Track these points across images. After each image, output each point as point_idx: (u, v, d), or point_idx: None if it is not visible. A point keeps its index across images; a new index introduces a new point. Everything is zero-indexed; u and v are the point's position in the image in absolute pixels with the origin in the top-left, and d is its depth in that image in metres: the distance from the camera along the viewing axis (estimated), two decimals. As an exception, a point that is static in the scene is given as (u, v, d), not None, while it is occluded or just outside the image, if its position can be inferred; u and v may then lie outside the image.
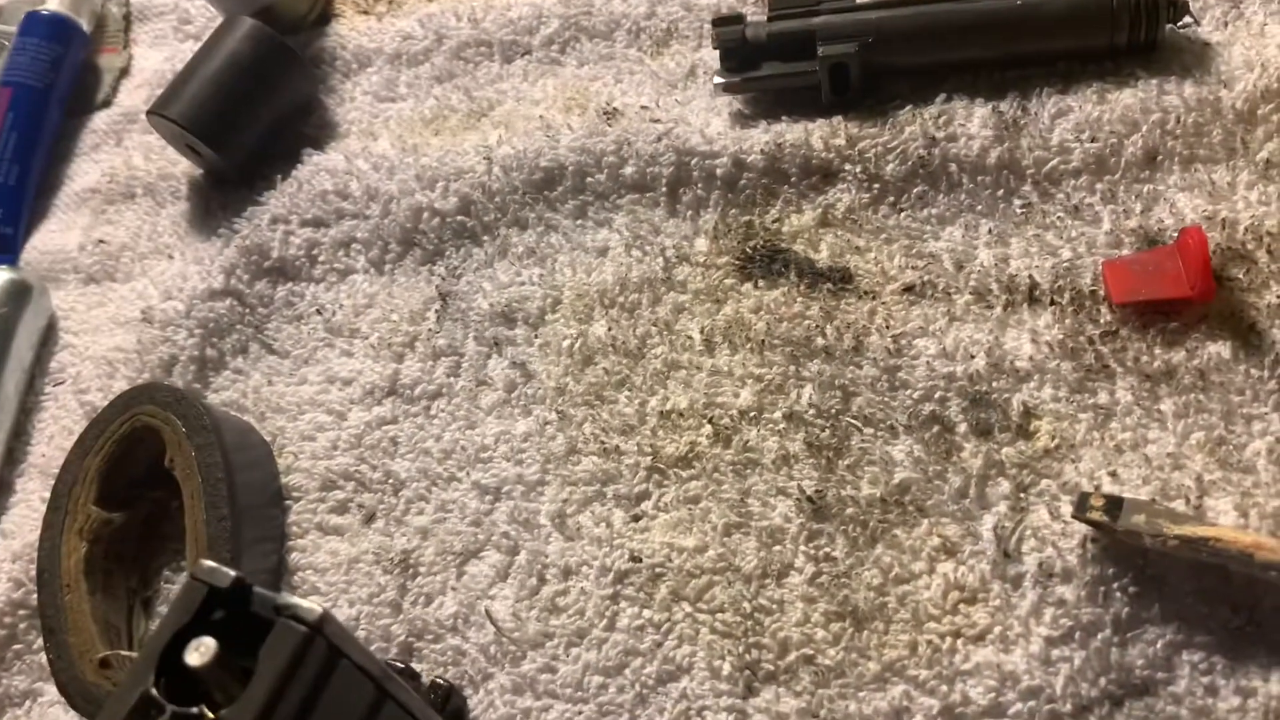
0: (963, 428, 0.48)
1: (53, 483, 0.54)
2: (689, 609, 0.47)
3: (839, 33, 0.57)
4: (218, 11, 0.71)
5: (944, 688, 0.43)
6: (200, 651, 0.30)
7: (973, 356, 0.49)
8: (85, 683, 0.48)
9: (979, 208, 0.54)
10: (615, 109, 0.61)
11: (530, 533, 0.50)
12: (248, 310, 0.61)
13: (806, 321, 0.52)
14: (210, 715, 0.31)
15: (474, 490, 0.52)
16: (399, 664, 0.48)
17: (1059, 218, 0.53)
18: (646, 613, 0.47)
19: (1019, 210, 0.53)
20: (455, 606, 0.49)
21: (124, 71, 0.77)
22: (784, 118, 0.58)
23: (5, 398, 0.61)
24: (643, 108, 0.61)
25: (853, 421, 0.49)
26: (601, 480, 0.51)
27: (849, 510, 0.47)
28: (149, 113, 0.65)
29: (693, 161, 0.57)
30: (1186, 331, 0.48)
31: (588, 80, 0.65)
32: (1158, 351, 0.48)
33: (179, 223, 0.67)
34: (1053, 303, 0.50)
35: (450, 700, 0.46)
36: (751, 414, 0.51)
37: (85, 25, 0.76)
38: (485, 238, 0.60)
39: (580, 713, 0.46)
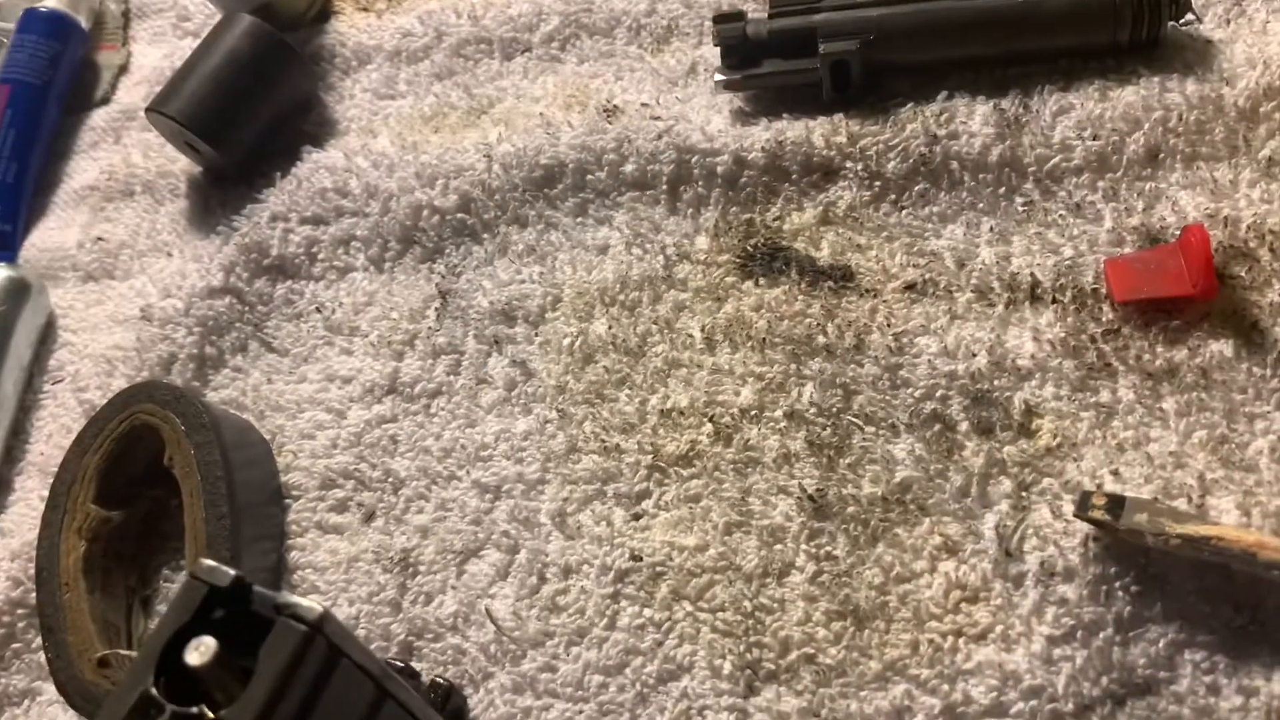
0: (964, 426, 0.48)
1: (51, 481, 0.54)
2: (690, 608, 0.47)
3: (840, 30, 0.56)
4: (216, 8, 0.71)
5: (945, 687, 0.43)
6: (200, 651, 0.30)
7: (974, 355, 0.49)
8: (84, 682, 0.48)
9: (980, 205, 0.54)
10: (616, 106, 0.61)
11: (530, 531, 0.50)
12: (247, 308, 0.60)
13: (808, 320, 0.52)
14: (210, 715, 0.31)
15: (474, 489, 0.52)
16: (399, 663, 0.47)
17: (1061, 215, 0.52)
18: (647, 612, 0.47)
19: (1021, 208, 0.53)
20: (455, 605, 0.49)
21: (123, 68, 0.77)
22: (785, 115, 0.58)
23: (4, 396, 0.61)
24: (643, 105, 0.60)
25: (854, 420, 0.49)
26: (602, 479, 0.51)
27: (850, 509, 0.47)
28: (148, 110, 0.65)
29: (693, 159, 0.57)
30: (1188, 330, 0.48)
31: (588, 77, 0.64)
32: (1160, 350, 0.48)
33: (178, 220, 0.67)
34: (1054, 301, 0.50)
35: (450, 699, 0.46)
36: (752, 412, 0.51)
37: (84, 22, 0.76)
38: (485, 235, 0.59)
39: (581, 712, 0.46)
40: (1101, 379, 0.48)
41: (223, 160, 0.65)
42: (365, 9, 0.73)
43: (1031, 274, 0.51)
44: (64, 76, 0.74)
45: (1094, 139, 0.53)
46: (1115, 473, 0.46)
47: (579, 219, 0.59)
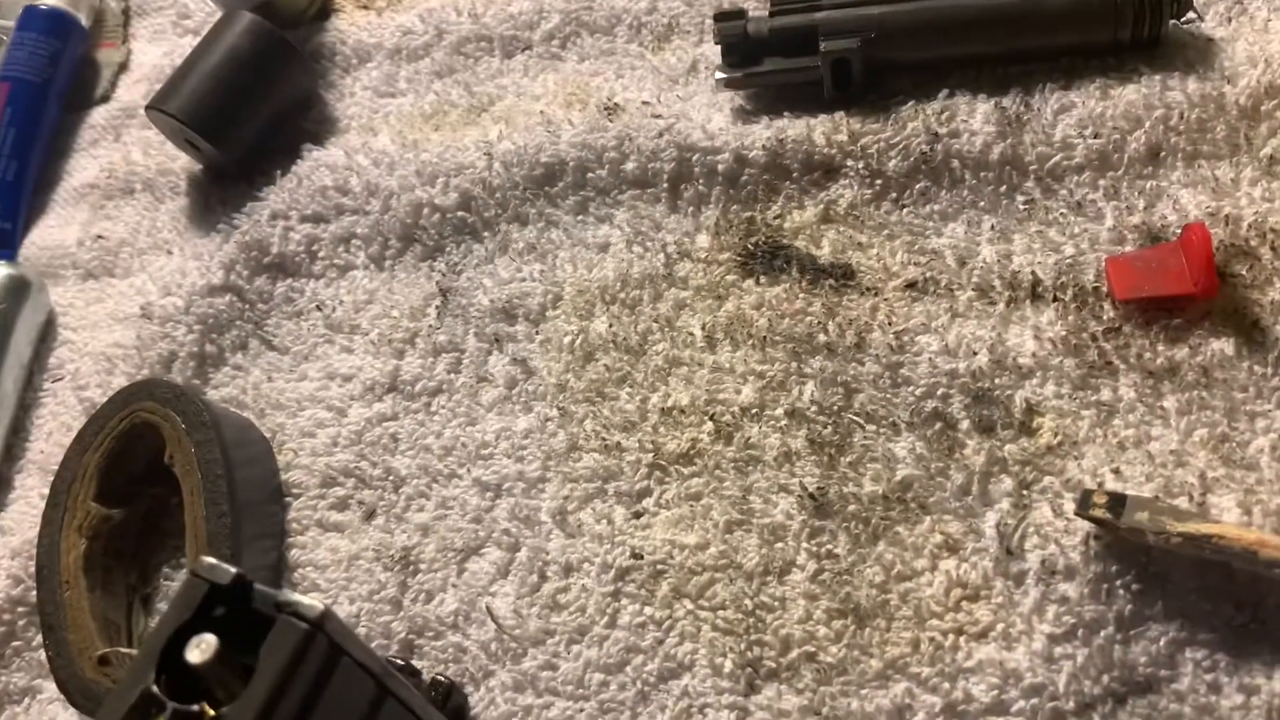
0: (965, 425, 0.48)
1: (52, 479, 0.53)
2: (690, 606, 0.47)
3: (841, 28, 0.56)
4: (217, 6, 0.71)
5: (946, 685, 0.43)
6: (201, 648, 0.30)
7: (975, 353, 0.49)
8: (84, 680, 0.48)
9: (981, 204, 0.54)
10: (616, 104, 0.61)
11: (531, 529, 0.50)
12: (247, 306, 0.60)
13: (808, 318, 0.52)
14: (211, 712, 0.31)
15: (475, 487, 0.52)
16: (400, 661, 0.47)
17: (1062, 214, 0.52)
18: (648, 610, 0.47)
19: (1022, 206, 0.53)
20: (456, 603, 0.49)
21: (123, 66, 0.77)
22: (786, 113, 0.58)
23: (4, 394, 0.61)
24: (644, 103, 0.60)
25: (855, 418, 0.49)
26: (603, 477, 0.51)
27: (851, 507, 0.47)
28: (148, 108, 0.65)
29: (694, 157, 0.57)
30: (1189, 328, 0.48)
31: (589, 75, 0.64)
32: (1161, 348, 0.48)
33: (178, 218, 0.67)
34: (1055, 299, 0.50)
35: (451, 697, 0.46)
36: (753, 411, 0.50)
37: (84, 20, 0.76)
38: (486, 233, 0.59)
39: (581, 710, 0.46)
40: (1102, 377, 0.48)
41: (223, 158, 0.65)
42: (366, 6, 0.73)
43: (1033, 272, 0.51)
44: (64, 74, 0.74)
45: (1095, 137, 0.53)
46: (1116, 471, 0.46)
47: (580, 217, 0.58)
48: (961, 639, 0.44)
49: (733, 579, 0.47)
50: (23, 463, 0.60)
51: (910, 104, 0.56)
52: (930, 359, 0.50)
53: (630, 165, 0.58)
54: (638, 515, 0.49)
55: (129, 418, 0.53)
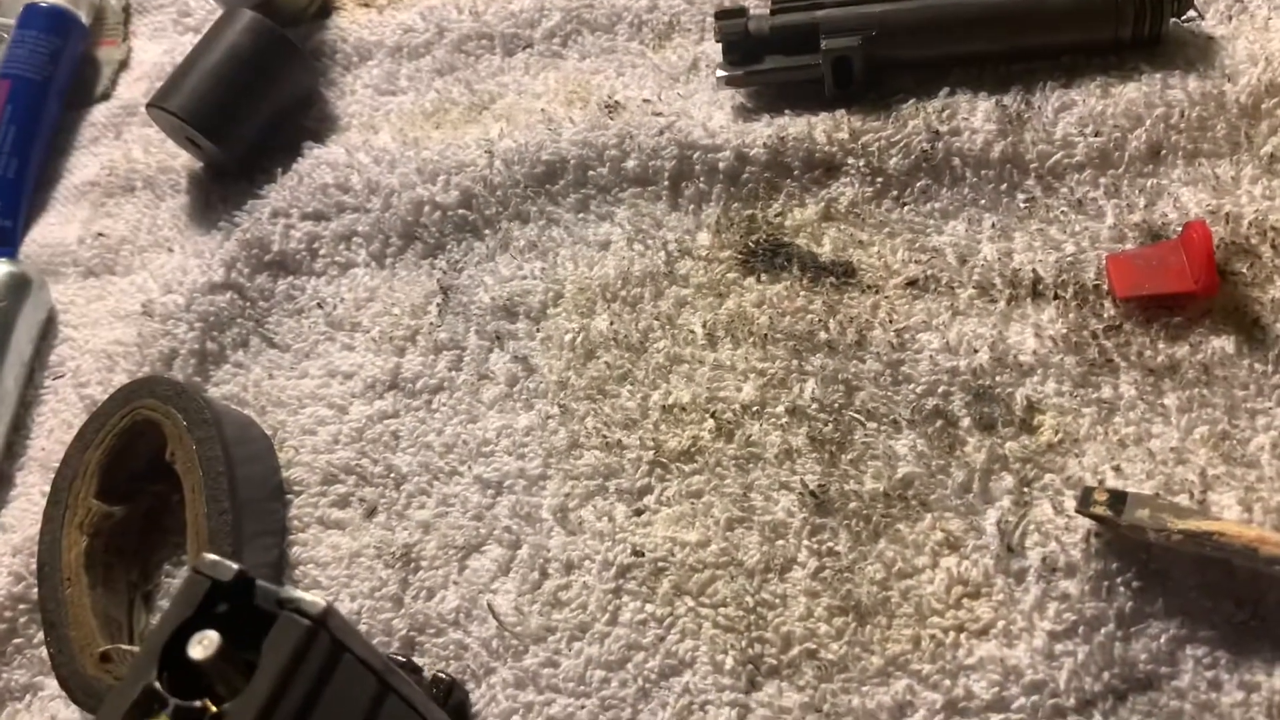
0: (966, 422, 0.48)
1: (53, 476, 0.53)
2: (691, 603, 0.47)
3: (842, 26, 0.56)
4: (217, 4, 0.71)
5: (947, 682, 0.43)
6: (203, 645, 0.30)
7: (976, 351, 0.49)
8: (86, 677, 0.48)
9: (982, 202, 0.54)
10: (617, 102, 0.61)
11: (532, 527, 0.50)
12: (248, 304, 0.60)
13: (809, 316, 0.52)
14: (213, 709, 0.31)
15: (476, 484, 0.52)
16: (401, 658, 0.47)
17: (1062, 212, 0.52)
18: (649, 607, 0.47)
19: (1022, 204, 0.53)
20: (457, 601, 0.49)
21: (123, 64, 0.77)
22: (787, 111, 0.58)
23: (5, 391, 0.61)
24: (645, 101, 0.60)
25: (855, 416, 0.49)
26: (604, 474, 0.51)
27: (852, 505, 0.47)
28: (148, 105, 0.65)
29: (695, 155, 0.57)
30: (1190, 326, 0.48)
31: (589, 73, 0.64)
32: (1161, 346, 0.48)
33: (179, 216, 0.67)
34: (1056, 297, 0.50)
35: (452, 694, 0.46)
36: (754, 408, 0.50)
37: (84, 18, 0.76)
38: (487, 231, 0.59)
39: (583, 707, 0.46)
40: (1103, 375, 0.48)
41: (224, 156, 0.65)
42: (367, 4, 0.72)
43: (1033, 270, 0.51)
44: (64, 72, 0.74)
45: (1096, 135, 0.53)
46: (1117, 468, 0.46)
47: (580, 215, 0.59)
48: (962, 636, 0.44)
49: (734, 576, 0.47)
50: (24, 460, 0.60)
51: (911, 102, 0.56)
52: (931, 356, 0.50)
53: (631, 163, 0.58)
54: (639, 512, 0.49)
55: (130, 415, 0.53)
